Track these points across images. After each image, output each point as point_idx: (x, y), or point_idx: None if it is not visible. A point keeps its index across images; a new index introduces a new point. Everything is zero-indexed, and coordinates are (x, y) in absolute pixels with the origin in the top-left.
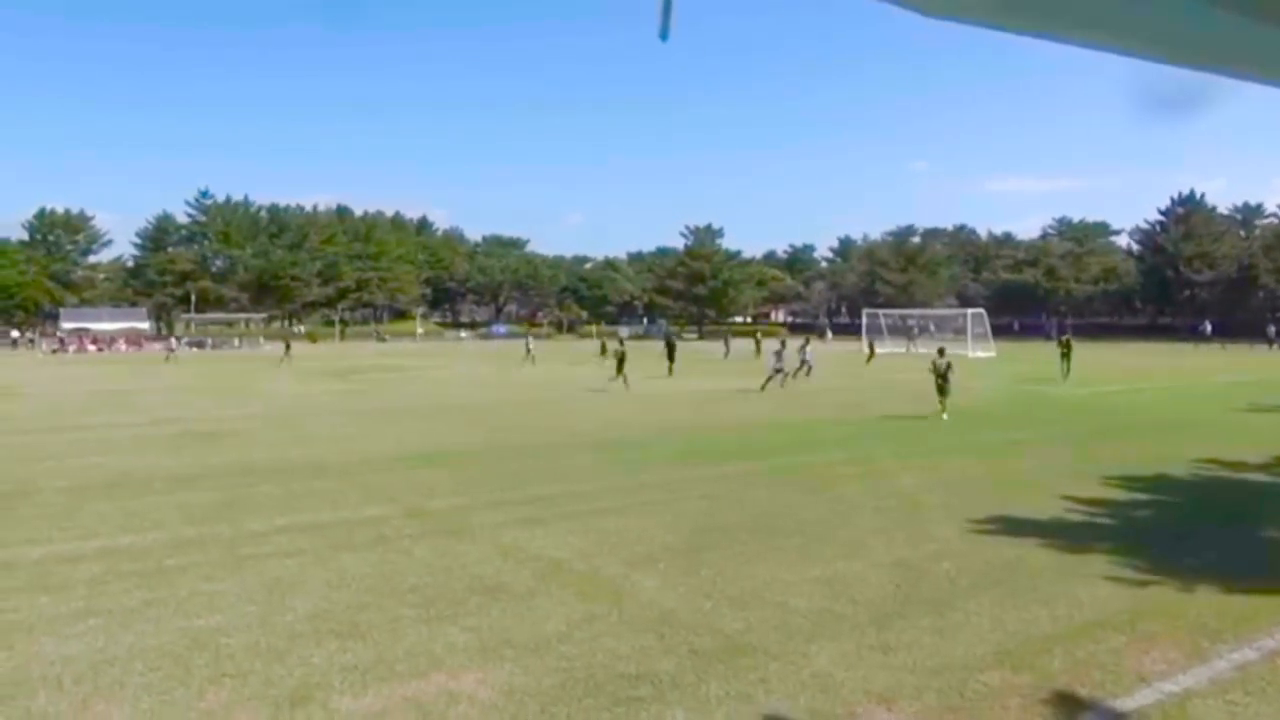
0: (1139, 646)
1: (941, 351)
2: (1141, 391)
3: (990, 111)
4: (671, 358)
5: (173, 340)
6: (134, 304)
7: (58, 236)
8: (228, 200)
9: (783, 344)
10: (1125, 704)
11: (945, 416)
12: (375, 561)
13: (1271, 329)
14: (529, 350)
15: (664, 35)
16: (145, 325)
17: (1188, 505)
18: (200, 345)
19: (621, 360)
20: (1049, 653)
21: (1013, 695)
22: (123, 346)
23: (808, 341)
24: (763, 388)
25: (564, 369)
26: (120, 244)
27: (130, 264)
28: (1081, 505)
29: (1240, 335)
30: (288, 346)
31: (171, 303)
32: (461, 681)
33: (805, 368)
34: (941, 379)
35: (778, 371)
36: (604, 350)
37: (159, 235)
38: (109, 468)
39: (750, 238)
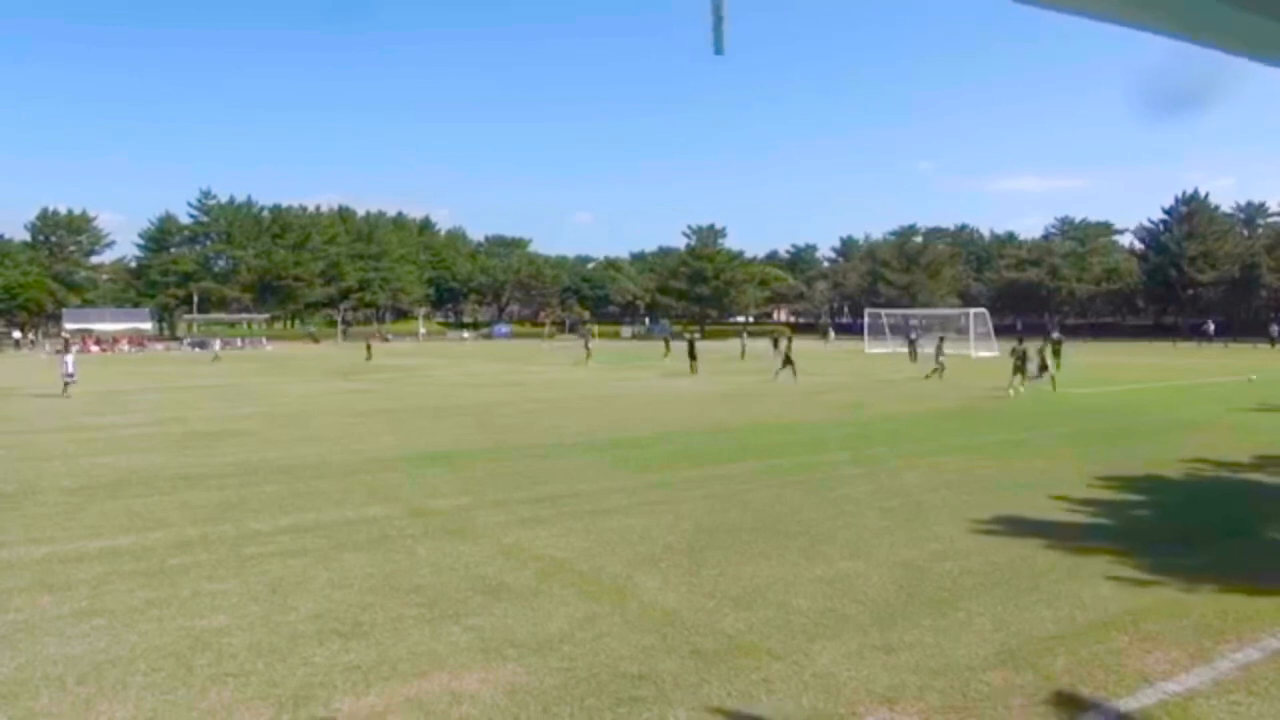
0: (1142, 646)
1: (1020, 339)
2: (1144, 391)
3: (994, 111)
4: (694, 356)
5: (218, 342)
6: (137, 305)
7: (60, 237)
8: (230, 201)
9: (1029, 345)
10: (1128, 704)
11: (1022, 391)
12: (378, 561)
13: (1274, 328)
14: (588, 349)
15: (718, 49)
16: (148, 326)
17: (1190, 505)
18: (202, 345)
19: (787, 359)
20: (1052, 652)
21: (1015, 695)
22: (126, 347)
23: (1045, 345)
24: (1020, 387)
25: (626, 372)
26: (123, 245)
27: (133, 265)
28: (1084, 505)
29: (1243, 334)
30: (369, 348)
31: (174, 303)
32: (464, 681)
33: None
34: (1020, 361)
35: (1041, 368)
36: (668, 349)
37: (162, 236)
38: (114, 467)
39: (753, 237)
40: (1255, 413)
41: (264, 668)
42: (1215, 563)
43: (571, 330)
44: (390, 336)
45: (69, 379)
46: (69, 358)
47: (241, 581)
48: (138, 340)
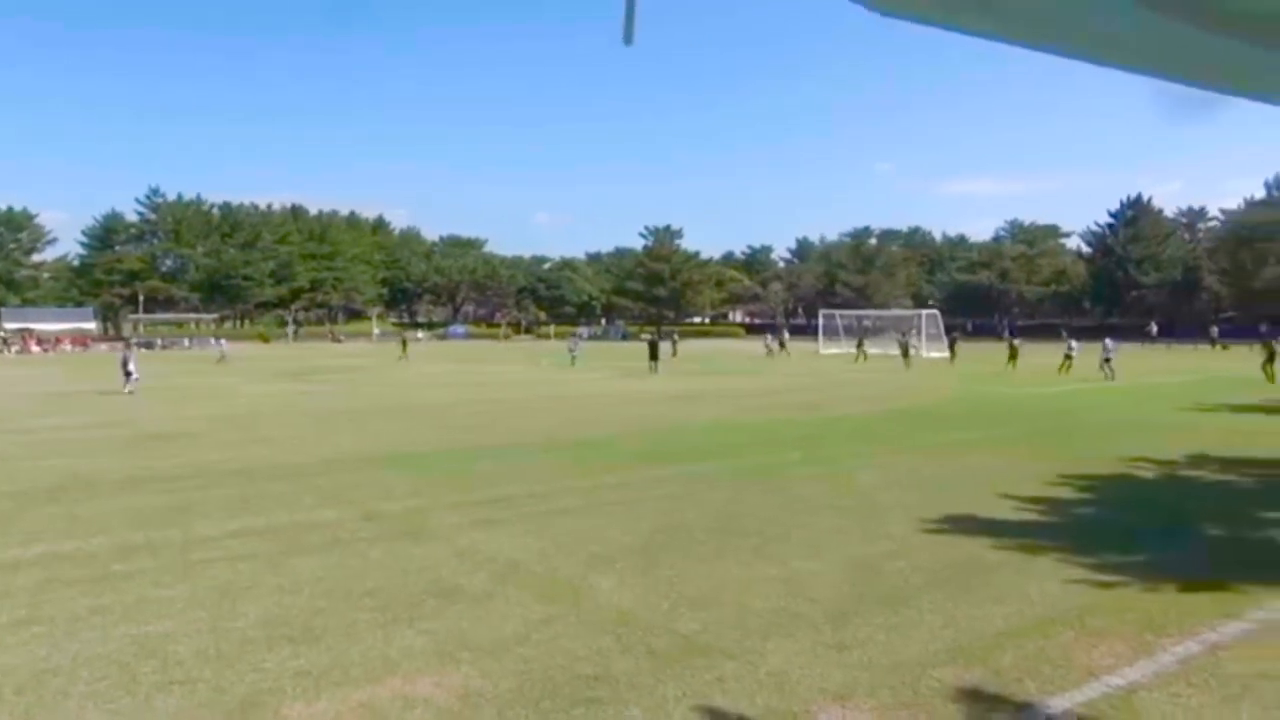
0: (1087, 641)
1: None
2: (1091, 391)
3: (946, 114)
4: (655, 356)
5: (223, 341)
6: (80, 304)
7: None
8: (179, 199)
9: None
10: (1074, 697)
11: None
12: (330, 565)
13: (1214, 330)
14: (572, 351)
15: (628, 39)
16: (91, 325)
17: (1134, 503)
18: (149, 346)
19: (953, 345)
20: (1000, 648)
21: (965, 691)
22: (68, 347)
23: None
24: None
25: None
26: (66, 243)
27: (76, 263)
28: (1032, 504)
29: (1185, 336)
30: (404, 344)
31: (119, 303)
32: (417, 685)
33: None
34: (1270, 357)
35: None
36: (677, 351)
37: (107, 234)
38: (57, 470)
39: (709, 238)
40: (1196, 412)
41: (212, 675)
42: (1157, 559)
43: (528, 331)
44: (343, 337)
45: (132, 378)
46: (131, 356)
47: (188, 587)
48: (81, 340)
